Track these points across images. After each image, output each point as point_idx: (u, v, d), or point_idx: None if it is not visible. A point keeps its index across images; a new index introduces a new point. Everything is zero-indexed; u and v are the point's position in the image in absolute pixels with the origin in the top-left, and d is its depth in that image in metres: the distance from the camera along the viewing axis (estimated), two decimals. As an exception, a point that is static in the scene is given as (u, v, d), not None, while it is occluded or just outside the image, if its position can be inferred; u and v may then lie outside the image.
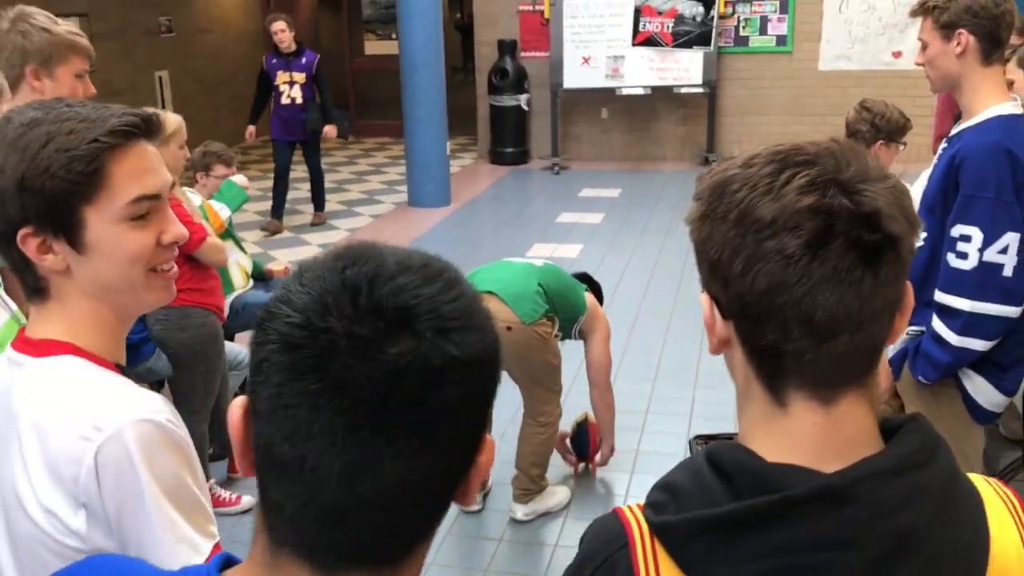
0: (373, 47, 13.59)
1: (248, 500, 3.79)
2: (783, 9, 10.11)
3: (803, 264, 0.83)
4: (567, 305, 3.66)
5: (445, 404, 0.69)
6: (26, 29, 2.27)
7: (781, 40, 10.20)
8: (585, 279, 4.00)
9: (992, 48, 2.31)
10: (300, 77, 7.79)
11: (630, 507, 0.94)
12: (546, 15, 10.26)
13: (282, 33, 7.67)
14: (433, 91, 8.50)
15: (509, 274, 3.61)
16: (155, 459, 1.14)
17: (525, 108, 10.62)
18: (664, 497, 0.91)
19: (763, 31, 10.21)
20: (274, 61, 7.83)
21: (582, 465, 4.03)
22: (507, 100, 10.50)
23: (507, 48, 10.47)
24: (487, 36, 10.85)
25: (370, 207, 9.08)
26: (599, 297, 4.01)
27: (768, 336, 0.87)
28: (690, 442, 0.91)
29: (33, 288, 1.21)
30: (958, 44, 2.30)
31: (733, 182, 0.89)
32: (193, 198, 4.28)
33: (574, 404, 4.08)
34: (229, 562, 0.80)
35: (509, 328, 3.35)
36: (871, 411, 0.90)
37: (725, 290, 0.89)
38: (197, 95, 11.37)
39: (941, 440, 0.89)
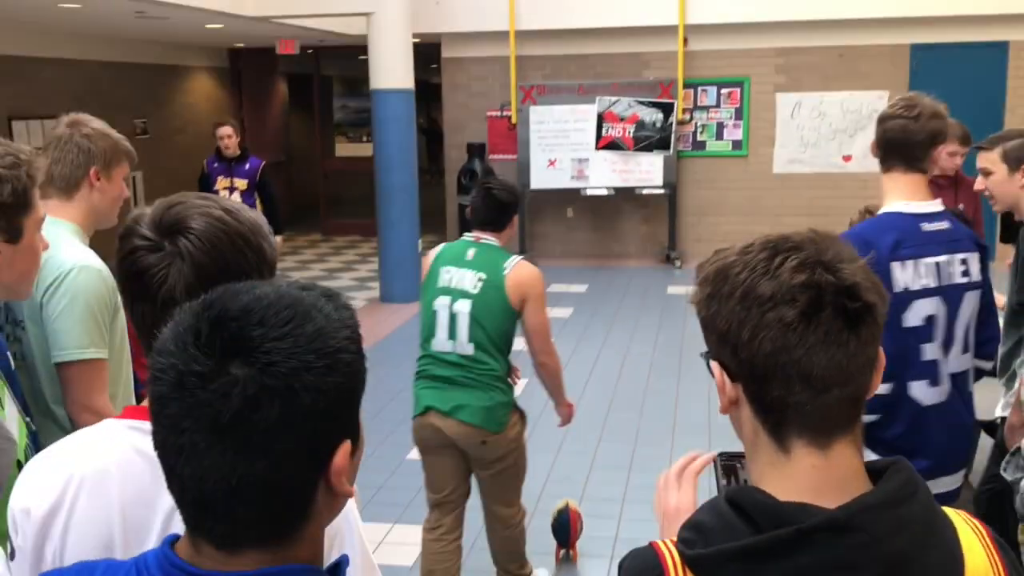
0: (344, 149, 13.98)
1: None
2: (738, 116, 10.67)
3: (800, 330, 1.02)
4: (509, 319, 3.38)
5: (266, 422, 0.86)
6: (90, 133, 2.48)
7: (737, 144, 10.74)
8: (502, 209, 3.46)
9: (886, 155, 2.58)
10: (242, 183, 7.59)
11: (663, 540, 1.11)
12: (513, 120, 10.72)
13: (228, 139, 7.55)
14: (406, 192, 8.81)
15: (464, 370, 3.36)
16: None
17: (493, 208, 10.96)
18: (693, 535, 1.08)
19: (720, 136, 10.74)
20: (215, 165, 7.67)
21: (563, 551, 4.12)
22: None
23: (476, 150, 10.87)
24: (456, 140, 11.27)
25: (342, 303, 9.23)
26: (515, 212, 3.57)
27: (773, 392, 1.06)
28: (714, 461, 1.04)
29: None
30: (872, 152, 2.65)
31: (734, 267, 1.09)
32: None
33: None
34: (178, 538, 0.99)
35: (484, 442, 3.37)
36: (858, 454, 1.09)
37: (734, 356, 1.07)
38: (169, 193, 11.52)
39: (920, 479, 1.08)
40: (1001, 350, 2.95)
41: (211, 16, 8.59)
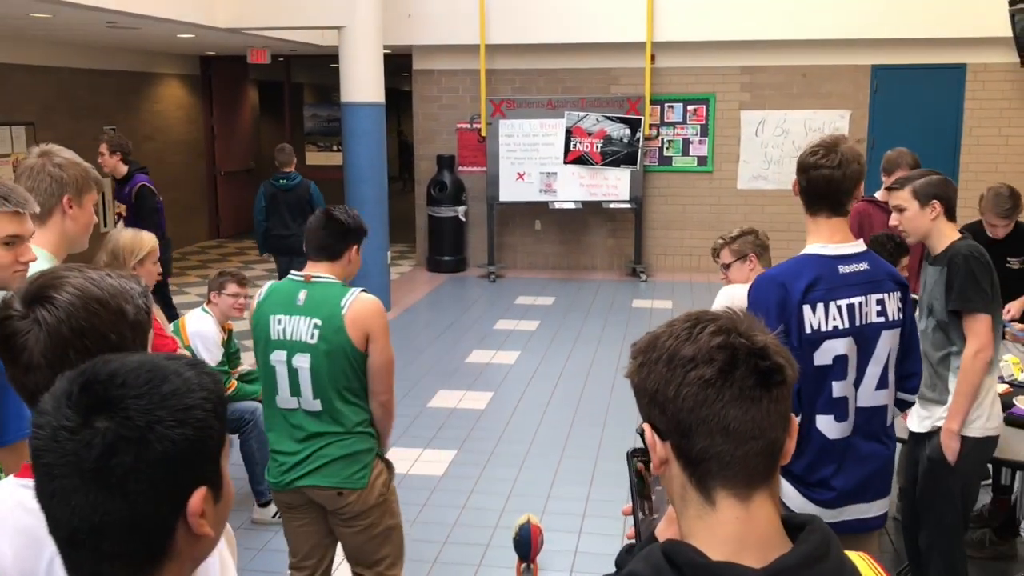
0: (314, 158, 14.01)
1: None
2: (704, 132, 10.87)
3: (718, 385, 1.14)
4: (358, 362, 3.00)
5: (123, 467, 1.01)
6: (62, 163, 2.59)
7: (702, 160, 10.93)
8: (346, 234, 3.09)
9: (811, 202, 2.69)
10: (122, 208, 6.87)
11: None
12: (483, 133, 10.83)
13: (101, 158, 6.71)
14: (375, 203, 8.88)
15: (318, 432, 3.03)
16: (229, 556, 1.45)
17: (463, 219, 11.09)
18: None
19: (685, 152, 10.94)
20: (116, 189, 6.96)
21: (524, 565, 4.23)
22: (445, 211, 10.96)
23: (445, 162, 10.98)
24: (426, 151, 11.37)
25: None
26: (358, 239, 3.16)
27: (698, 445, 1.17)
28: (629, 455, 1.10)
29: None
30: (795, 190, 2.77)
31: (661, 336, 1.22)
32: (204, 316, 4.60)
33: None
34: None
35: (340, 493, 3.04)
36: (776, 509, 1.19)
37: (663, 414, 1.18)
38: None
39: (832, 537, 1.19)
40: (925, 372, 3.13)
41: (183, 27, 8.63)
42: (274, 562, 4.28)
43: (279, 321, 2.99)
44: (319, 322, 2.93)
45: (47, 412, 1.06)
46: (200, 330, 4.55)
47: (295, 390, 2.98)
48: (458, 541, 4.46)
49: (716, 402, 1.14)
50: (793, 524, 1.20)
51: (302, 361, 2.95)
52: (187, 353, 3.93)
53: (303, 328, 2.95)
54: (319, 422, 3.00)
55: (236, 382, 4.67)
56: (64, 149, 2.65)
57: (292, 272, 3.09)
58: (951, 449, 3.29)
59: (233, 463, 4.75)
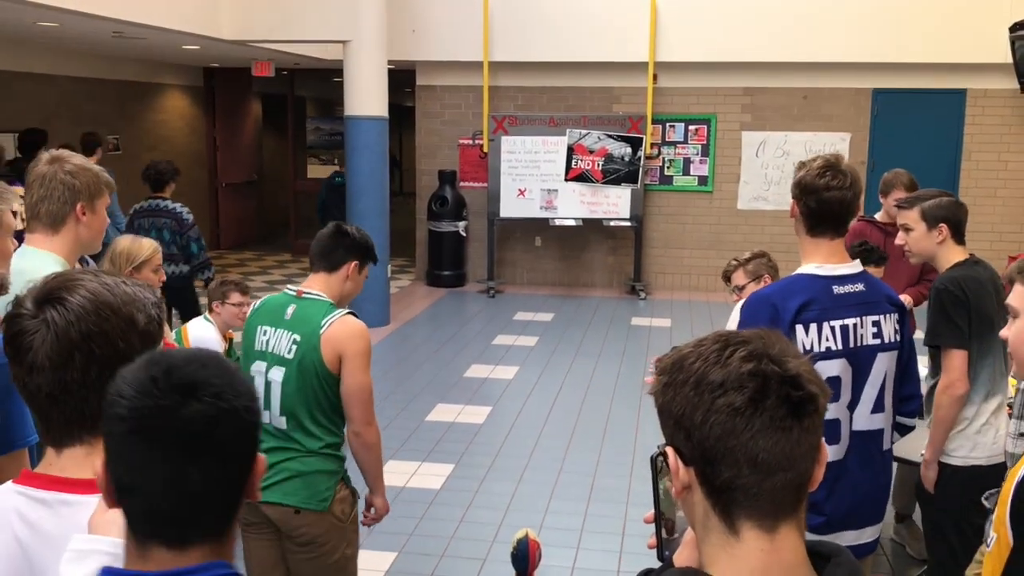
0: (316, 171, 14.05)
1: None
2: (704, 152, 10.92)
3: (747, 415, 1.09)
4: (330, 385, 2.92)
5: (221, 439, 1.13)
6: (74, 170, 2.58)
7: (703, 180, 10.97)
8: (357, 250, 3.06)
9: (816, 223, 2.61)
10: None
11: None
12: (485, 149, 10.87)
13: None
14: (376, 216, 8.90)
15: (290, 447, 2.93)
16: None
17: (463, 234, 11.11)
18: None
19: (686, 172, 10.98)
20: None
21: None
22: (446, 226, 10.98)
23: (447, 178, 11.01)
24: (428, 166, 11.40)
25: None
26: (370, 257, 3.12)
27: (723, 475, 1.11)
28: (653, 459, 1.07)
29: None
30: (792, 213, 2.69)
31: (689, 357, 1.16)
32: (206, 325, 4.61)
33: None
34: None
35: (297, 512, 2.91)
36: (802, 539, 1.15)
37: (688, 440, 1.13)
38: (140, 211, 11.54)
39: (858, 569, 1.17)
40: (924, 394, 3.10)
41: (188, 38, 8.68)
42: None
43: (264, 332, 2.97)
44: (298, 338, 2.89)
45: (132, 396, 1.13)
46: (204, 337, 4.55)
47: (267, 404, 2.90)
48: (455, 555, 4.44)
49: (745, 432, 1.09)
50: (818, 553, 1.16)
51: (276, 375, 2.91)
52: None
53: (284, 342, 2.92)
54: (283, 439, 2.92)
55: None
56: (75, 155, 2.66)
57: (288, 286, 3.09)
58: (927, 478, 3.27)
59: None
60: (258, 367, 2.96)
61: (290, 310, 2.97)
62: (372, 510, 3.18)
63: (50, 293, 1.48)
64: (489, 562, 4.38)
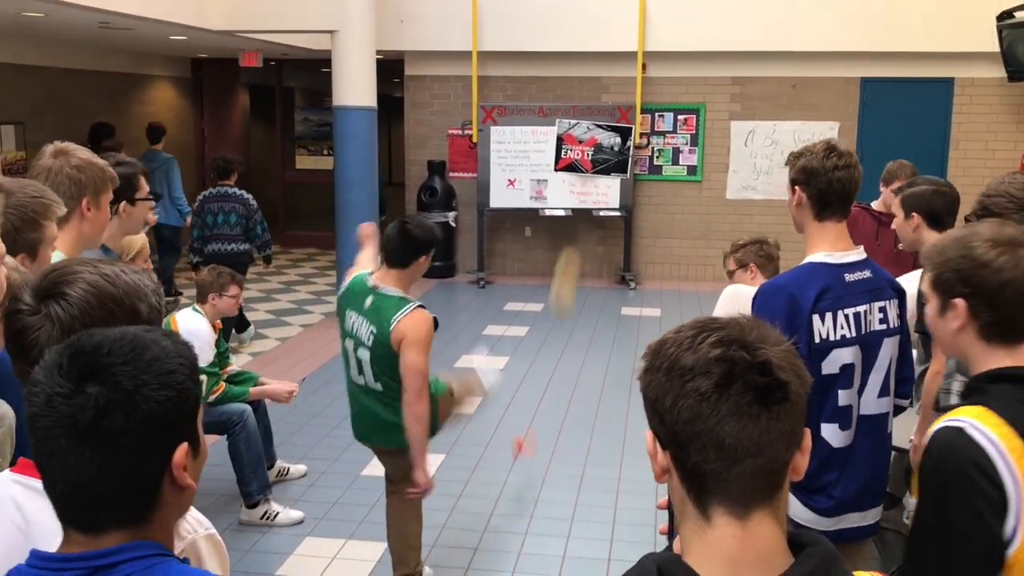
0: (304, 162, 14.00)
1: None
2: (694, 142, 10.93)
3: (713, 400, 1.10)
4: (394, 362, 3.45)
5: (114, 427, 1.12)
6: (80, 164, 2.53)
7: (692, 170, 10.99)
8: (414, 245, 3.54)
9: (823, 207, 2.59)
10: None
11: None
12: (474, 139, 10.86)
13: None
14: (365, 208, 8.88)
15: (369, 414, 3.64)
16: (213, 567, 1.48)
17: (453, 225, 11.09)
18: None
19: (675, 161, 10.99)
20: None
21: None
22: (436, 217, 10.95)
23: (436, 168, 10.99)
24: (417, 156, 11.38)
25: (299, 317, 9.28)
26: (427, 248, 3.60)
27: (692, 458, 1.12)
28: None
29: None
30: (796, 202, 2.66)
31: (666, 343, 1.18)
32: (196, 316, 4.61)
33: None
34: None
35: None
36: (779, 526, 1.14)
37: (661, 424, 1.15)
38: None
39: (834, 554, 1.15)
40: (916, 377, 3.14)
41: (176, 28, 8.62)
42: (262, 563, 4.27)
43: (351, 316, 3.52)
44: (374, 330, 3.42)
45: (40, 381, 1.16)
46: (195, 329, 4.55)
47: (360, 371, 3.53)
48: (446, 544, 4.46)
49: (711, 416, 1.10)
50: (799, 543, 1.16)
51: (363, 355, 3.48)
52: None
53: (363, 330, 3.45)
54: (381, 396, 3.52)
55: (224, 384, 4.66)
56: (80, 148, 2.60)
57: (368, 270, 3.59)
58: (914, 462, 3.31)
59: (220, 464, 4.74)
60: (349, 344, 3.54)
61: (368, 300, 3.47)
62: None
63: (50, 287, 1.46)
64: (480, 551, 4.39)
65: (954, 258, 1.85)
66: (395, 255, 3.48)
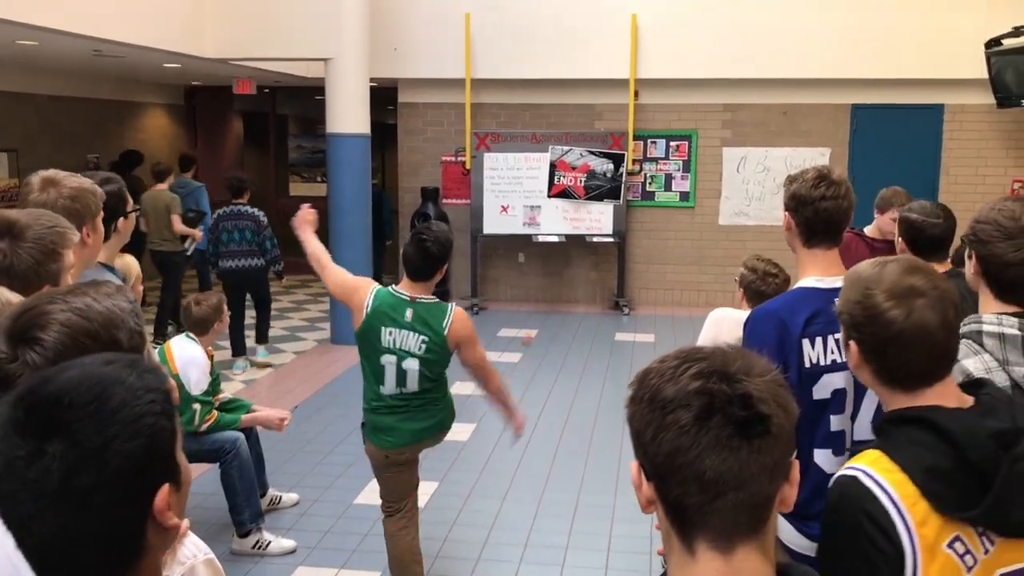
0: (298, 188, 14.01)
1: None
2: (686, 168, 10.97)
3: (693, 433, 1.08)
4: (448, 360, 3.79)
5: (84, 487, 1.02)
6: (73, 194, 2.50)
7: (684, 196, 11.02)
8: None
9: (812, 234, 2.60)
10: None
11: None
12: (467, 166, 10.88)
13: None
14: (359, 234, 8.89)
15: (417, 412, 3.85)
16: None
17: (445, 251, 11.08)
18: None
19: (668, 187, 11.02)
20: None
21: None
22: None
23: (430, 194, 11.00)
24: (410, 183, 11.40)
25: (293, 344, 9.25)
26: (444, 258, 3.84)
27: (674, 491, 1.11)
28: None
29: None
30: (786, 226, 2.68)
31: (650, 372, 1.17)
32: (192, 343, 4.59)
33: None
34: None
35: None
36: (766, 560, 1.12)
37: (645, 455, 1.13)
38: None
39: None
40: None
41: (169, 56, 8.65)
42: (253, 594, 4.21)
43: (390, 333, 3.67)
44: (425, 338, 3.65)
45: None
46: (191, 356, 4.53)
47: (400, 382, 3.70)
48: (439, 574, 4.41)
49: (692, 449, 1.08)
50: (789, 573, 1.15)
51: (411, 364, 3.68)
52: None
53: (412, 341, 3.66)
54: (418, 399, 3.77)
55: (217, 412, 4.62)
56: (68, 175, 2.57)
57: (394, 287, 3.75)
58: None
59: (213, 493, 4.69)
60: (388, 359, 3.69)
61: (408, 313, 3.68)
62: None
63: (23, 331, 1.41)
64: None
65: (851, 300, 1.81)
66: (418, 272, 3.71)
